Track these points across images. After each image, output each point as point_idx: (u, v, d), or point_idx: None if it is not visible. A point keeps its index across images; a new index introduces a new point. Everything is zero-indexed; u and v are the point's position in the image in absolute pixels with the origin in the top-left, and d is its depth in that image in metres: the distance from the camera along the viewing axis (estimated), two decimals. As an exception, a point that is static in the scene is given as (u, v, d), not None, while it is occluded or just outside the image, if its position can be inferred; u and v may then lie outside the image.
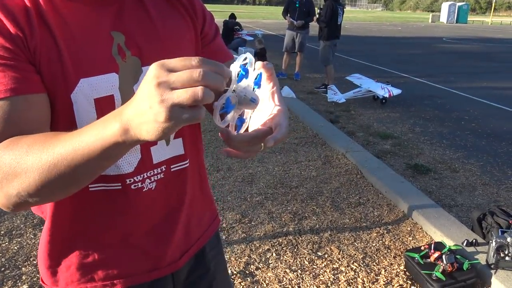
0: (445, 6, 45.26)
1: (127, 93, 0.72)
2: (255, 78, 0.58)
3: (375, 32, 24.27)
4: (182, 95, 0.45)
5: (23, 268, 2.33)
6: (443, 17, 44.25)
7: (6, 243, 2.56)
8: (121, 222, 0.80)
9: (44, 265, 0.82)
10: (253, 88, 0.57)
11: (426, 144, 4.80)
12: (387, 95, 6.20)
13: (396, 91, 6.24)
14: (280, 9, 8.40)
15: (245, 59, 0.56)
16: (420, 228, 2.87)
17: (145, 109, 0.46)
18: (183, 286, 0.94)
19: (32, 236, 2.63)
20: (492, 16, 51.20)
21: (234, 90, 0.55)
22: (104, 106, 0.69)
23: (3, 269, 2.33)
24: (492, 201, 3.41)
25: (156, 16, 0.76)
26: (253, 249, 2.57)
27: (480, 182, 3.78)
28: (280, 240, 2.68)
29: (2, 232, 2.68)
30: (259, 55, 9.56)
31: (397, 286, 2.31)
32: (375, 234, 2.79)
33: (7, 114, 0.60)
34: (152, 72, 0.46)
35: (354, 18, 43.82)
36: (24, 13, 0.62)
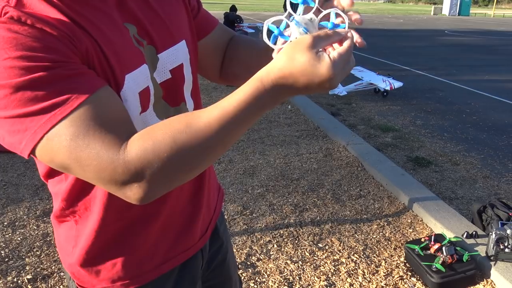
0: (447, -2, 44.95)
1: (154, 82, 0.75)
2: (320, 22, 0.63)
3: (377, 25, 24.14)
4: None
5: (26, 259, 2.36)
6: (445, 9, 43.98)
7: (10, 234, 2.58)
8: (162, 209, 0.83)
9: (83, 266, 0.82)
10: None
11: (427, 137, 4.81)
12: (388, 88, 6.20)
13: (397, 84, 6.23)
14: (282, 1, 8.36)
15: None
16: (421, 220, 2.89)
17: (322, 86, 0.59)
18: (207, 260, 1.00)
19: (35, 227, 2.66)
20: (494, 8, 50.90)
21: (296, 21, 0.62)
22: (144, 98, 0.72)
23: (6, 259, 2.35)
24: (492, 194, 3.42)
25: (154, 2, 0.76)
26: (255, 241, 2.60)
27: (480, 175, 3.79)
28: (281, 232, 2.70)
29: (5, 223, 2.70)
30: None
31: (397, 277, 2.33)
32: (376, 226, 2.81)
33: (104, 108, 0.59)
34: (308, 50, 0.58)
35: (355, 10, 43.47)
36: (63, 21, 0.60)
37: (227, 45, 0.96)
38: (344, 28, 0.62)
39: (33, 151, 0.58)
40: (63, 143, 0.56)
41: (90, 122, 0.57)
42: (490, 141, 4.75)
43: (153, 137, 0.58)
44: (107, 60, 0.64)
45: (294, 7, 0.63)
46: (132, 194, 0.59)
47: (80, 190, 0.76)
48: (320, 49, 0.59)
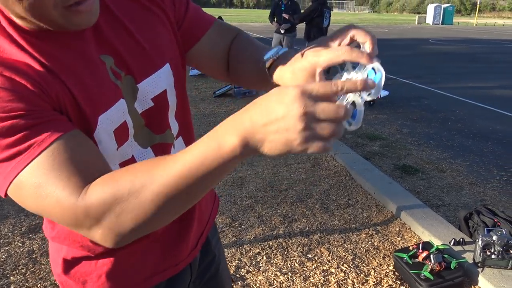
0: (430, 8, 45.88)
1: (133, 114, 0.74)
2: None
3: (362, 34, 24.42)
4: (325, 130, 0.48)
5: (11, 277, 2.31)
6: (429, 18, 44.85)
7: (-6, 252, 2.53)
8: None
9: (70, 276, 0.83)
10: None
11: (414, 145, 4.86)
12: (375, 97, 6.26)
13: (383, 93, 6.29)
14: (268, 12, 8.45)
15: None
16: (409, 228, 2.91)
17: (281, 129, 0.48)
18: (197, 274, 0.99)
19: (20, 245, 2.61)
20: (477, 17, 52.03)
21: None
22: (121, 133, 0.71)
23: (-10, 278, 2.30)
24: (478, 200, 3.46)
25: (133, 28, 0.73)
26: (244, 253, 2.58)
27: (467, 181, 3.84)
28: (270, 243, 2.69)
29: (-11, 241, 2.65)
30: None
31: (387, 286, 2.33)
32: (364, 235, 2.82)
33: (66, 153, 0.58)
34: (297, 98, 0.47)
35: (342, 20, 44.04)
36: (33, 67, 0.60)
37: (229, 47, 0.89)
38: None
39: (7, 194, 0.59)
40: (29, 192, 0.57)
41: (51, 170, 0.57)
42: (475, 148, 4.82)
43: (114, 181, 0.57)
44: (78, 105, 0.63)
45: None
46: (99, 239, 0.58)
47: None
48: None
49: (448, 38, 23.83)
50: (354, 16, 68.24)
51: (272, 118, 0.48)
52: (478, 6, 54.07)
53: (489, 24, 49.20)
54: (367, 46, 0.63)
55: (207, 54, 0.88)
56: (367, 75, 0.60)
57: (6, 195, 0.59)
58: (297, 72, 0.68)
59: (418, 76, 9.72)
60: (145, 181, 0.55)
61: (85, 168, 0.59)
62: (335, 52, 0.63)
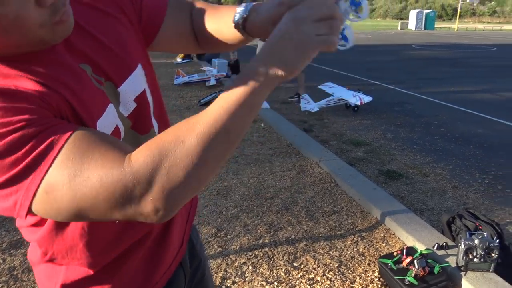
0: (413, 14, 46.69)
1: (122, 117, 0.74)
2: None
3: (346, 41, 24.69)
4: (328, 26, 0.59)
5: (-9, 295, 2.26)
6: (412, 24, 45.59)
7: (-27, 270, 2.48)
8: (147, 238, 0.85)
9: None
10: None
11: (398, 150, 4.91)
12: (358, 103, 6.33)
13: (367, 99, 6.37)
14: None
15: None
16: (393, 234, 2.93)
17: (296, 40, 0.58)
18: (189, 276, 1.01)
19: (1, 261, 2.56)
20: (458, 22, 53.03)
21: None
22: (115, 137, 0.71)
23: (-30, 297, 2.25)
24: (461, 204, 3.51)
25: (100, 35, 0.74)
26: (229, 263, 2.57)
27: (450, 185, 3.89)
28: (256, 253, 2.68)
29: (-32, 258, 2.59)
30: (233, 68, 9.60)
31: (372, 292, 2.34)
32: (350, 242, 2.83)
33: (90, 138, 0.58)
34: (292, 15, 0.60)
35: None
36: (29, 84, 0.60)
37: (191, 19, 0.90)
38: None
39: (30, 209, 0.56)
40: (63, 189, 0.55)
41: (81, 156, 0.55)
42: (457, 151, 4.89)
43: (156, 141, 0.57)
44: (77, 114, 0.64)
45: None
46: (151, 208, 0.55)
47: (59, 238, 0.75)
48: None
49: (430, 43, 24.23)
50: (338, 23, 68.81)
51: (286, 37, 0.59)
52: (459, 11, 55.11)
53: (469, 29, 50.21)
54: None
55: (174, 35, 0.89)
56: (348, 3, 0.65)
57: (28, 213, 0.56)
58: (276, 19, 0.69)
59: (401, 81, 9.86)
60: (187, 128, 0.57)
61: (116, 142, 0.60)
62: None
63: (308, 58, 0.59)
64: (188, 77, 8.50)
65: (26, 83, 0.59)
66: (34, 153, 0.54)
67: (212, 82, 8.38)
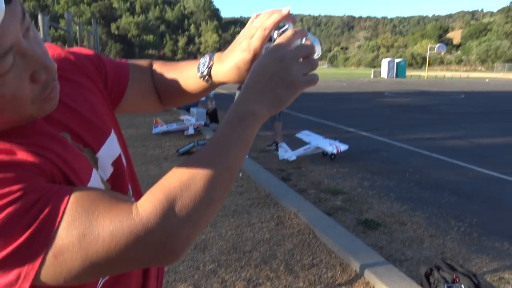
0: (384, 62, 48.71)
1: (103, 182, 0.74)
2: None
3: (322, 88, 25.46)
4: (310, 65, 0.68)
5: None
6: (384, 72, 47.43)
7: None
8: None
9: None
10: None
11: (375, 198, 4.96)
12: (335, 151, 6.44)
13: (343, 147, 6.49)
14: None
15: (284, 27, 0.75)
16: (373, 287, 2.90)
17: (283, 80, 0.65)
18: None
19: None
20: (427, 70, 55.53)
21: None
22: None
23: None
24: (439, 253, 3.52)
25: (72, 104, 0.76)
26: (206, 324, 2.48)
27: (427, 234, 3.92)
28: (234, 311, 2.60)
29: None
30: (211, 116, 9.71)
31: None
32: (330, 297, 2.78)
33: (91, 195, 0.59)
34: (277, 55, 0.65)
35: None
36: (20, 155, 0.60)
37: (152, 78, 0.95)
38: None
39: (36, 279, 0.54)
40: (74, 250, 0.54)
41: (87, 214, 0.55)
42: (433, 199, 4.97)
43: (162, 189, 0.58)
44: (69, 179, 0.64)
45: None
46: (166, 253, 0.58)
47: None
48: None
49: (402, 91, 25.19)
50: (314, 71, 71.18)
51: (276, 78, 0.64)
52: (428, 60, 57.87)
53: (439, 77, 52.59)
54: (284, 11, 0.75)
55: (138, 96, 0.92)
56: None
57: (35, 280, 0.53)
58: (241, 65, 0.78)
59: (376, 128, 10.12)
60: (191, 171, 0.59)
61: (117, 195, 0.61)
62: (261, 30, 0.76)
63: (297, 95, 0.66)
64: (167, 126, 8.53)
65: (19, 154, 0.59)
66: (38, 220, 0.54)
67: (191, 131, 8.42)
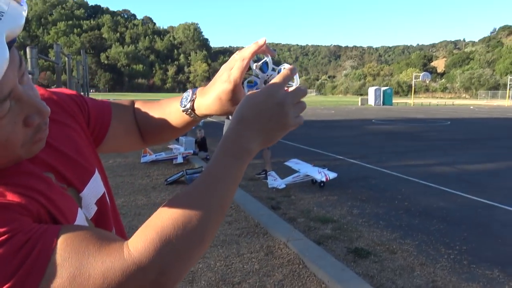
0: (371, 91, 49.53)
1: (89, 223, 0.74)
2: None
3: (310, 116, 25.75)
4: (301, 108, 0.70)
5: None
6: (371, 100, 48.17)
7: None
8: None
9: None
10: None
11: (365, 226, 4.94)
12: (324, 179, 6.45)
13: (332, 175, 6.51)
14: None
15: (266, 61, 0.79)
16: (364, 318, 2.85)
17: (278, 124, 0.67)
18: None
19: None
20: (413, 98, 56.64)
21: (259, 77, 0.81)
22: None
23: None
24: (430, 281, 3.50)
25: (56, 143, 0.76)
26: None
27: (417, 262, 3.90)
28: None
29: None
30: (200, 145, 9.70)
31: None
32: (321, 329, 2.72)
33: (80, 235, 0.58)
34: (276, 100, 0.67)
35: (290, 103, 46.43)
36: (7, 195, 0.59)
37: (134, 117, 0.96)
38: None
39: None
40: None
41: (77, 253, 0.55)
42: (422, 226, 4.97)
43: (153, 227, 0.58)
44: (56, 219, 0.63)
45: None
46: (163, 283, 0.57)
47: None
48: None
49: (389, 118, 25.55)
50: (302, 99, 72.18)
51: (273, 119, 0.67)
52: (413, 88, 59.14)
53: (424, 104, 53.58)
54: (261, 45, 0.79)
55: (120, 135, 0.93)
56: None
57: None
58: (222, 96, 0.81)
59: (364, 156, 10.19)
60: (184, 210, 0.59)
61: (106, 233, 0.60)
62: (239, 60, 0.78)
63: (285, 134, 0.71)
64: (155, 155, 8.49)
65: (5, 196, 0.59)
66: (27, 263, 0.53)
67: (179, 160, 8.39)
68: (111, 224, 0.83)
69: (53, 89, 0.86)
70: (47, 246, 0.55)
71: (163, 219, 0.59)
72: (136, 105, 0.98)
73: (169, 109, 0.92)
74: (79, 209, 0.71)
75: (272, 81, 0.70)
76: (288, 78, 0.71)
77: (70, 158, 0.76)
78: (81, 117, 0.85)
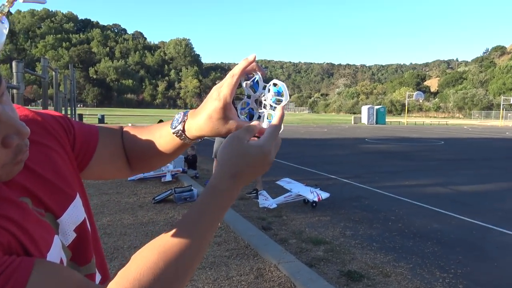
0: (364, 109, 50.07)
1: (64, 249, 0.72)
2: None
3: (303, 134, 25.85)
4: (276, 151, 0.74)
5: None
6: (364, 118, 48.64)
7: None
8: None
9: None
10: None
11: (358, 248, 4.91)
12: (316, 199, 6.43)
13: (324, 195, 6.50)
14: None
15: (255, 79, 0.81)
16: None
17: (259, 170, 0.71)
18: None
19: None
20: (406, 117, 57.30)
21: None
22: None
23: None
24: (425, 307, 3.46)
25: (36, 165, 0.74)
26: None
27: (412, 286, 3.87)
28: None
29: None
30: (190, 163, 9.66)
31: None
32: None
33: (52, 272, 0.58)
34: (259, 150, 0.70)
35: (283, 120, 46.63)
36: None
37: (122, 142, 0.95)
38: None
39: None
40: None
41: None
42: (416, 249, 4.96)
43: (132, 277, 0.59)
44: (27, 249, 0.61)
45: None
46: None
47: None
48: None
49: (383, 137, 25.75)
50: (294, 116, 72.59)
51: (257, 165, 0.70)
52: (406, 107, 59.90)
53: (418, 123, 54.16)
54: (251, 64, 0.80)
55: (107, 159, 0.91)
56: (272, 91, 0.78)
57: None
58: (213, 114, 0.80)
59: (357, 175, 10.22)
60: (165, 259, 0.61)
61: (82, 279, 0.60)
62: (229, 77, 0.79)
63: None
64: (143, 173, 8.41)
65: None
66: None
67: (168, 178, 8.33)
68: (91, 252, 0.81)
69: (39, 110, 0.85)
70: (18, 283, 0.53)
71: (139, 269, 0.59)
72: (126, 129, 0.97)
73: (159, 132, 0.91)
74: (55, 236, 0.70)
75: (265, 135, 0.72)
76: (278, 132, 0.75)
77: (49, 182, 0.75)
78: (66, 140, 0.84)
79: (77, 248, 0.77)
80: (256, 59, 0.81)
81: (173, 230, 0.65)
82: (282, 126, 0.77)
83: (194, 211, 0.67)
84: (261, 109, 0.81)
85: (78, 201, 0.79)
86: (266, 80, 0.81)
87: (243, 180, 0.70)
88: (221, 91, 0.80)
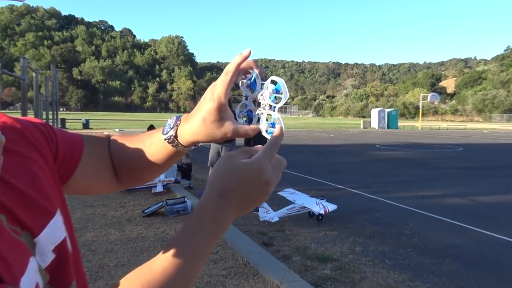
0: (374, 112, 50.16)
1: (41, 272, 0.70)
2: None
3: (307, 140, 25.87)
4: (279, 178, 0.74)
5: None
6: (374, 123, 48.70)
7: None
8: None
9: None
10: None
11: (369, 266, 4.88)
12: (322, 212, 6.40)
13: (331, 207, 6.48)
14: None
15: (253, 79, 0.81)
16: None
17: (258, 198, 0.71)
18: None
19: None
20: (421, 120, 57.34)
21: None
22: None
23: None
24: (444, 331, 3.43)
25: (13, 178, 0.72)
26: None
27: (429, 308, 3.84)
28: None
29: None
30: (184, 172, 9.64)
31: None
32: None
33: None
34: (262, 178, 0.70)
35: (285, 125, 46.64)
36: None
37: (109, 153, 0.94)
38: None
39: None
40: None
41: None
42: (433, 266, 4.93)
43: None
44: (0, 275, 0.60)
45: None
46: None
47: None
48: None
49: (395, 143, 25.78)
50: (298, 121, 72.73)
51: (257, 194, 0.70)
52: (421, 110, 59.94)
53: (433, 128, 54.25)
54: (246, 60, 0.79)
55: (91, 171, 0.90)
56: (270, 89, 0.78)
57: None
58: (207, 117, 0.80)
59: (367, 185, 10.20)
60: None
61: None
62: (223, 75, 0.78)
63: None
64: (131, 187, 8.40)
65: None
66: None
67: (159, 188, 8.31)
68: (71, 275, 0.80)
69: (18, 117, 0.84)
70: None
71: None
72: (113, 137, 0.96)
73: (150, 140, 0.90)
74: (31, 258, 0.68)
75: (260, 153, 0.73)
76: (276, 149, 0.76)
77: (27, 196, 0.73)
78: (48, 150, 0.82)
79: (56, 270, 0.75)
80: (255, 58, 0.80)
81: (158, 257, 0.65)
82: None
83: (180, 235, 0.67)
84: (260, 109, 0.81)
85: (58, 217, 0.78)
86: (265, 80, 0.80)
87: (235, 201, 0.69)
88: (215, 90, 0.79)
